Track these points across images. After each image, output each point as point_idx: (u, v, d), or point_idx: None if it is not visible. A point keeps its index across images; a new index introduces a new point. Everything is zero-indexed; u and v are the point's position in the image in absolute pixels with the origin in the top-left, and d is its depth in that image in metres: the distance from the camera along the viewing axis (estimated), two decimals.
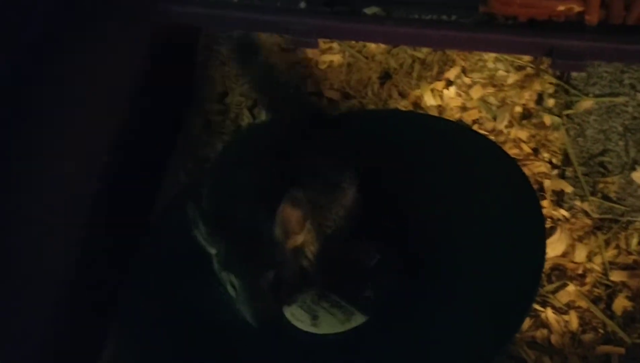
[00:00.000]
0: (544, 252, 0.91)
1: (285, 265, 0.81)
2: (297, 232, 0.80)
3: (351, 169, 0.91)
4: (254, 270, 0.79)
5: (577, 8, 0.58)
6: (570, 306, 1.00)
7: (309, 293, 0.90)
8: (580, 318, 0.99)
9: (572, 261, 1.03)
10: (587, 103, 1.12)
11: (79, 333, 1.00)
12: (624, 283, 1.00)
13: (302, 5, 0.68)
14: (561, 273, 1.02)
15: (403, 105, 1.19)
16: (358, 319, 0.87)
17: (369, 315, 0.87)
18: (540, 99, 1.15)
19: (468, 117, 1.16)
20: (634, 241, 1.02)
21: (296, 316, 0.89)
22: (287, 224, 0.78)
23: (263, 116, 1.23)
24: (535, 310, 1.00)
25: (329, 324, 0.87)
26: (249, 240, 0.79)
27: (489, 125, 1.14)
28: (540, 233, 0.92)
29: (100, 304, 1.02)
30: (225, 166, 0.95)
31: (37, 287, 0.94)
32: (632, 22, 0.58)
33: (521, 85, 1.16)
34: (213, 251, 0.83)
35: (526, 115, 1.15)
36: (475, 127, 1.15)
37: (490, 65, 1.19)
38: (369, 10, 0.66)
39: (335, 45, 1.27)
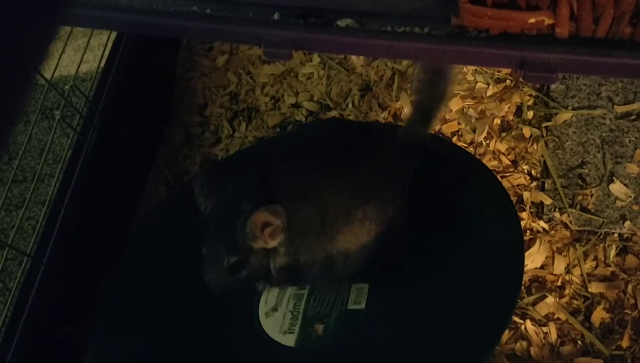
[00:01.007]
0: (522, 264, 0.91)
1: (249, 258, 0.83)
2: (264, 240, 0.82)
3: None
4: (222, 248, 0.83)
5: (548, 20, 0.58)
6: (549, 318, 1.00)
7: (288, 303, 0.90)
8: (559, 330, 0.99)
9: (551, 273, 1.03)
10: (565, 115, 1.13)
11: (55, 347, 0.99)
12: (602, 295, 1.00)
13: (276, 16, 0.67)
14: (540, 285, 1.02)
15: (383, 117, 1.19)
16: (289, 340, 0.87)
17: (297, 346, 0.86)
18: (519, 112, 1.16)
19: (447, 130, 1.16)
20: (612, 252, 1.03)
21: (271, 325, 0.89)
22: (254, 228, 0.81)
23: (244, 128, 1.24)
24: (515, 322, 1.00)
25: (271, 325, 0.87)
26: (228, 220, 0.83)
27: (468, 137, 1.15)
28: (519, 245, 0.92)
29: (78, 316, 1.01)
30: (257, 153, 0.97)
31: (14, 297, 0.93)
32: (601, 35, 0.58)
33: (500, 97, 1.17)
34: (202, 206, 0.87)
35: (505, 127, 1.15)
36: (454, 139, 1.15)
37: (470, 77, 1.19)
38: (342, 22, 0.65)
39: (315, 57, 1.27)
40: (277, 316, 0.89)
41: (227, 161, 1.14)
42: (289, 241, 0.84)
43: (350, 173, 0.87)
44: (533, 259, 1.03)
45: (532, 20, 0.58)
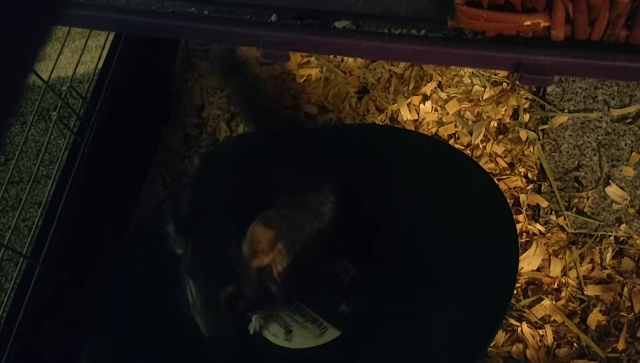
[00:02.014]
0: (516, 266, 0.92)
1: (247, 283, 0.77)
2: (266, 252, 0.76)
3: (329, 183, 0.91)
4: (214, 281, 0.76)
5: (544, 23, 0.58)
6: (545, 320, 1.00)
7: (284, 308, 0.90)
8: (555, 332, 0.99)
9: (548, 276, 1.03)
10: (562, 119, 1.13)
11: (51, 348, 0.99)
12: (598, 297, 1.01)
13: (274, 18, 0.68)
14: (537, 288, 1.03)
15: (380, 119, 1.20)
16: (332, 334, 0.86)
17: (342, 330, 0.86)
18: (516, 114, 1.16)
19: (444, 132, 1.16)
20: (608, 255, 1.03)
21: (270, 330, 0.88)
22: (256, 243, 0.75)
23: (241, 129, 1.24)
24: (511, 324, 1.00)
25: (303, 338, 0.86)
26: (215, 250, 0.77)
27: (465, 140, 1.15)
28: (513, 247, 0.92)
29: (73, 317, 1.01)
30: (203, 177, 0.95)
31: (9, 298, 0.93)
32: (597, 38, 0.58)
33: (497, 100, 1.17)
34: (179, 252, 0.80)
35: (502, 130, 1.16)
36: (451, 141, 1.15)
37: (467, 80, 1.20)
38: (340, 24, 0.66)
39: (313, 59, 1.28)
40: (298, 330, 0.87)
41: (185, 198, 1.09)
42: (287, 246, 0.80)
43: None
44: (529, 262, 1.03)
45: (528, 22, 0.58)
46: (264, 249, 0.76)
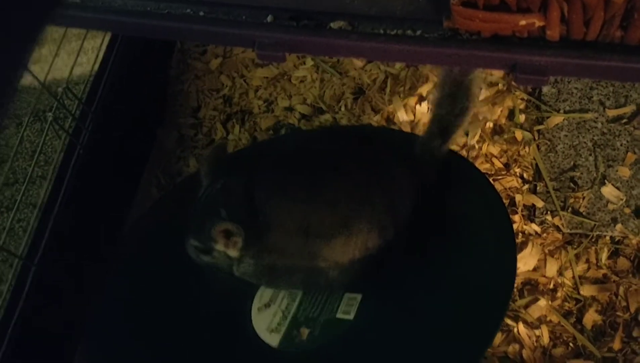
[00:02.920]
0: (514, 267, 0.91)
1: (214, 252, 0.86)
2: (224, 244, 0.85)
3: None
4: (194, 229, 0.86)
5: (539, 23, 0.58)
6: (541, 320, 1.00)
7: (280, 305, 0.90)
8: (551, 332, 0.99)
9: (544, 276, 1.03)
10: (557, 119, 1.14)
11: (46, 349, 0.99)
12: (593, 297, 1.01)
13: (269, 19, 0.68)
14: (533, 288, 1.03)
15: (376, 120, 1.20)
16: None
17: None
18: (511, 115, 1.16)
19: None
20: (604, 255, 1.03)
21: (262, 325, 0.89)
22: (216, 234, 0.84)
23: (237, 131, 1.24)
24: (507, 325, 1.00)
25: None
26: (210, 210, 0.85)
27: (461, 140, 1.15)
28: (511, 247, 0.93)
29: (69, 319, 1.01)
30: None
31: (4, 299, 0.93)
32: (592, 38, 0.58)
33: (493, 101, 1.17)
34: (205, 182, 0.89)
35: (498, 130, 1.16)
36: None
37: None
38: (335, 25, 0.66)
39: (308, 60, 1.28)
40: (268, 313, 0.90)
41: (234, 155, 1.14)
42: (256, 255, 0.86)
43: (337, 186, 0.86)
44: (525, 262, 1.04)
45: (523, 22, 0.58)
46: (224, 241, 0.85)
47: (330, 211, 0.85)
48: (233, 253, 0.86)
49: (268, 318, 0.89)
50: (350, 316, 0.87)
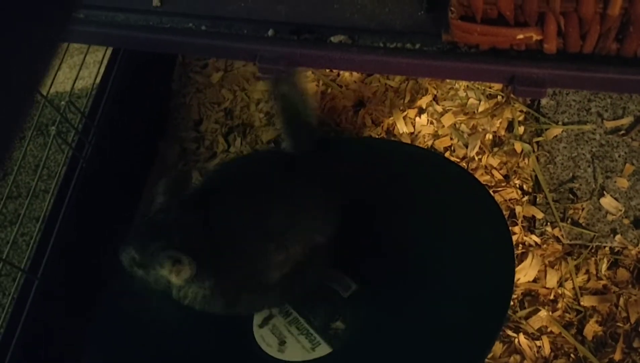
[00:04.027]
0: (513, 278, 0.92)
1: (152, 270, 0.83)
2: (169, 270, 0.81)
3: (332, 198, 0.92)
4: (138, 239, 0.83)
5: (536, 36, 0.59)
6: (542, 331, 1.00)
7: (281, 317, 0.91)
8: (552, 343, 0.99)
9: (544, 287, 1.04)
10: (556, 131, 1.14)
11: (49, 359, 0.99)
12: (594, 308, 1.01)
13: (270, 33, 0.69)
14: (533, 299, 1.03)
15: (376, 133, 1.21)
16: (323, 350, 0.87)
17: (335, 347, 0.87)
18: (510, 127, 1.17)
19: (440, 145, 1.17)
20: (604, 266, 1.03)
21: (265, 339, 0.89)
22: (163, 261, 0.80)
23: (238, 143, 1.25)
24: (508, 335, 1.00)
25: (295, 351, 0.87)
26: (163, 231, 0.82)
27: (461, 152, 1.16)
28: (510, 259, 0.93)
29: (71, 332, 1.01)
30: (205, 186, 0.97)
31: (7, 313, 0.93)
32: (588, 51, 0.59)
33: (492, 113, 1.18)
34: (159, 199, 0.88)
35: (497, 142, 1.17)
36: (447, 154, 1.16)
37: (462, 93, 1.21)
38: (335, 39, 0.67)
39: (309, 73, 1.29)
40: (291, 342, 0.89)
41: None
42: (200, 284, 0.83)
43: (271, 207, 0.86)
44: (525, 273, 1.04)
45: (521, 36, 0.59)
46: (170, 268, 0.81)
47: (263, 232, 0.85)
48: (176, 281, 0.82)
49: (296, 346, 0.89)
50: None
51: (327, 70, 1.26)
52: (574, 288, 1.03)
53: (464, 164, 1.14)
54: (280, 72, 0.70)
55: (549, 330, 1.00)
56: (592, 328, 0.99)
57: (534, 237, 1.07)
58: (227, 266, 0.83)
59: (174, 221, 0.82)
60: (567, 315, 1.01)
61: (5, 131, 0.28)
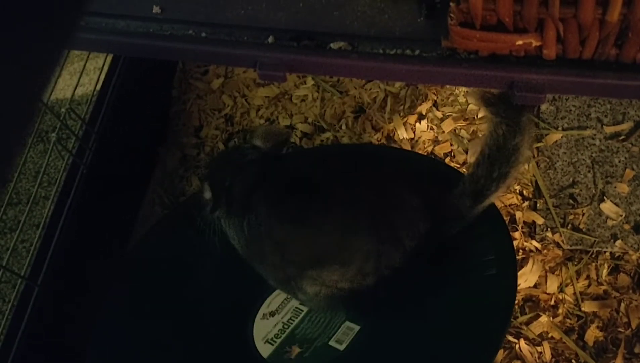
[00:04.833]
0: (515, 284, 0.92)
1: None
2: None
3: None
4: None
5: (535, 43, 0.59)
6: (543, 337, 1.00)
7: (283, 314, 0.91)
8: (553, 349, 0.99)
9: (545, 292, 1.04)
10: (556, 136, 1.14)
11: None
12: (595, 313, 1.01)
13: (270, 39, 0.69)
14: (534, 304, 1.03)
15: (376, 139, 1.21)
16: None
17: (342, 348, 0.86)
18: None
19: (440, 151, 1.17)
20: (604, 271, 1.03)
21: (260, 332, 0.90)
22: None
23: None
24: (509, 341, 1.00)
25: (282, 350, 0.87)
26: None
27: (461, 158, 1.16)
28: (512, 264, 0.93)
29: (71, 339, 1.01)
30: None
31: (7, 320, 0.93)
32: (587, 57, 0.59)
33: None
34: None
35: None
36: (447, 160, 1.16)
37: (462, 99, 1.21)
38: (335, 45, 0.67)
39: (309, 79, 1.29)
40: (270, 323, 0.90)
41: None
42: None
43: (338, 210, 0.85)
44: (526, 278, 1.04)
45: (520, 42, 0.59)
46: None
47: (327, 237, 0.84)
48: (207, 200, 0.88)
49: (268, 327, 0.90)
50: (342, 347, 0.87)
51: (327, 76, 1.27)
52: (574, 293, 1.03)
53: (464, 170, 1.14)
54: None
55: (549, 335, 1.00)
56: (593, 333, 0.99)
57: (534, 243, 1.07)
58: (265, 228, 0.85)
59: (250, 169, 0.87)
60: (567, 320, 1.01)
61: (10, 139, 0.28)
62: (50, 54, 0.28)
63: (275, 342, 0.89)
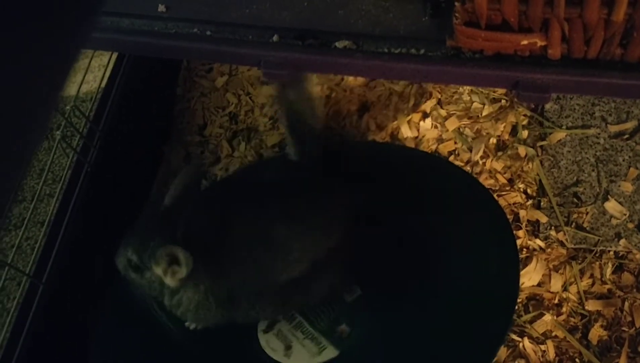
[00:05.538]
0: (518, 282, 0.92)
1: (148, 273, 0.81)
2: (163, 270, 0.80)
3: (341, 210, 0.91)
4: (138, 240, 0.83)
5: (540, 42, 0.59)
6: (547, 336, 1.00)
7: (285, 322, 0.91)
8: (557, 348, 0.99)
9: (549, 291, 1.04)
10: (560, 135, 1.14)
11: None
12: (599, 312, 1.01)
13: (275, 38, 0.69)
14: (538, 303, 1.03)
15: (381, 137, 1.21)
16: (330, 353, 0.87)
17: (340, 350, 0.87)
18: (514, 131, 1.17)
19: (444, 149, 1.17)
20: (608, 270, 1.03)
21: (270, 344, 0.89)
22: (159, 257, 0.79)
23: (242, 148, 1.25)
24: (513, 340, 1.00)
25: (301, 355, 0.87)
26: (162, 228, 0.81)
27: (465, 156, 1.16)
28: (514, 263, 0.93)
29: (76, 337, 1.01)
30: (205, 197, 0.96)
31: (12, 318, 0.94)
32: (592, 57, 0.59)
33: (496, 117, 1.18)
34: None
35: (501, 146, 1.17)
36: (451, 158, 1.16)
37: (466, 97, 1.21)
38: (340, 44, 0.67)
39: (314, 78, 1.29)
40: (297, 347, 0.89)
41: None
42: (195, 287, 0.81)
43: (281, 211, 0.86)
44: (530, 277, 1.04)
45: (525, 42, 0.59)
46: (165, 268, 0.80)
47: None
48: (171, 282, 0.80)
49: (301, 351, 0.89)
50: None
51: (332, 75, 1.26)
52: (578, 292, 1.03)
53: (468, 168, 1.14)
54: (288, 77, 0.70)
55: (553, 334, 1.00)
56: (597, 332, 0.99)
57: (538, 241, 1.07)
58: (229, 268, 0.83)
59: (180, 216, 0.81)
60: (571, 319, 1.01)
61: (25, 140, 0.28)
62: (67, 55, 0.28)
63: (325, 345, 0.88)
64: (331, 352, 0.86)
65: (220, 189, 0.94)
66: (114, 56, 1.18)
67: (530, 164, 1.13)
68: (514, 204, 1.11)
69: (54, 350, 0.99)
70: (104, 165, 1.07)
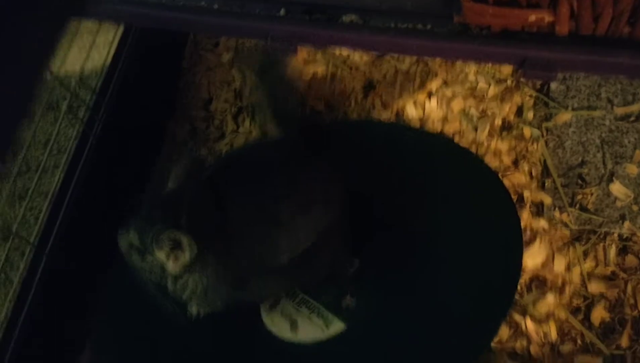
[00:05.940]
0: (520, 262, 0.92)
1: (150, 257, 0.80)
2: (165, 255, 0.79)
3: (336, 185, 0.91)
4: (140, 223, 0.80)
5: (548, 18, 0.59)
6: (549, 316, 1.01)
7: (289, 299, 0.91)
8: (559, 328, 1.00)
9: (552, 272, 1.04)
10: (565, 116, 1.14)
11: (57, 339, 1.00)
12: (602, 294, 1.01)
13: (282, 12, 0.69)
14: (541, 284, 1.03)
15: (386, 116, 1.20)
16: (337, 327, 0.87)
17: (347, 323, 0.87)
18: (520, 112, 1.17)
19: (449, 129, 1.17)
20: (612, 252, 1.03)
21: (275, 322, 0.89)
22: (161, 242, 0.78)
23: (247, 124, 1.25)
24: (515, 320, 1.00)
25: (308, 331, 0.87)
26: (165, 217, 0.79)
27: (470, 136, 1.15)
28: (518, 243, 0.93)
29: (80, 308, 1.02)
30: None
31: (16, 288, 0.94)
32: (600, 34, 0.59)
33: (501, 97, 1.18)
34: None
35: (506, 127, 1.16)
36: (456, 138, 1.16)
37: (471, 77, 1.20)
38: (347, 19, 0.67)
39: (319, 56, 1.28)
40: (304, 323, 0.89)
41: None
42: (201, 272, 0.80)
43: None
44: (534, 257, 1.04)
45: (533, 18, 0.59)
46: (168, 253, 0.79)
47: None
48: (172, 268, 0.79)
49: (306, 324, 0.89)
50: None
51: (337, 52, 1.25)
52: (581, 273, 1.03)
53: (473, 148, 1.14)
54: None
55: (556, 315, 1.00)
56: (599, 314, 0.99)
57: (542, 222, 1.07)
58: (236, 250, 0.83)
59: (183, 201, 0.80)
60: (574, 300, 1.01)
61: (17, 105, 0.28)
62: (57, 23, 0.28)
63: (331, 319, 0.88)
64: (338, 326, 0.87)
65: (221, 171, 0.93)
66: (119, 32, 1.17)
67: (535, 145, 1.13)
68: (518, 184, 1.11)
69: (57, 321, 1.00)
70: (108, 137, 1.07)
